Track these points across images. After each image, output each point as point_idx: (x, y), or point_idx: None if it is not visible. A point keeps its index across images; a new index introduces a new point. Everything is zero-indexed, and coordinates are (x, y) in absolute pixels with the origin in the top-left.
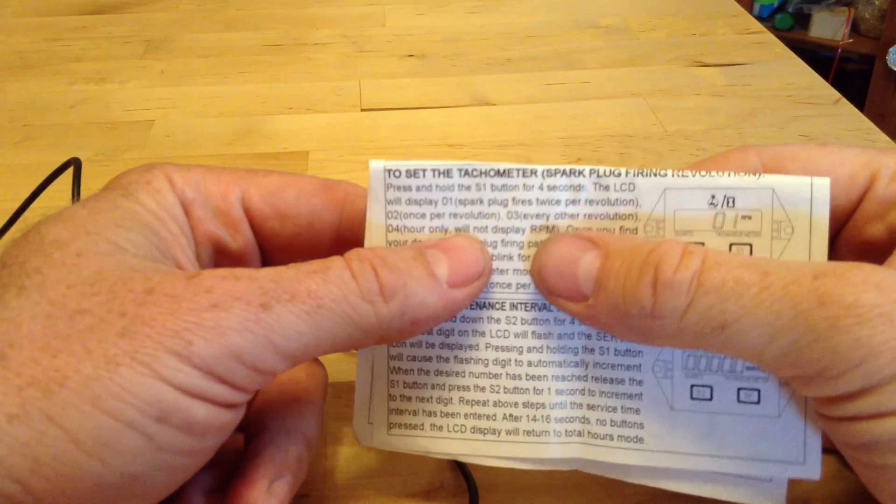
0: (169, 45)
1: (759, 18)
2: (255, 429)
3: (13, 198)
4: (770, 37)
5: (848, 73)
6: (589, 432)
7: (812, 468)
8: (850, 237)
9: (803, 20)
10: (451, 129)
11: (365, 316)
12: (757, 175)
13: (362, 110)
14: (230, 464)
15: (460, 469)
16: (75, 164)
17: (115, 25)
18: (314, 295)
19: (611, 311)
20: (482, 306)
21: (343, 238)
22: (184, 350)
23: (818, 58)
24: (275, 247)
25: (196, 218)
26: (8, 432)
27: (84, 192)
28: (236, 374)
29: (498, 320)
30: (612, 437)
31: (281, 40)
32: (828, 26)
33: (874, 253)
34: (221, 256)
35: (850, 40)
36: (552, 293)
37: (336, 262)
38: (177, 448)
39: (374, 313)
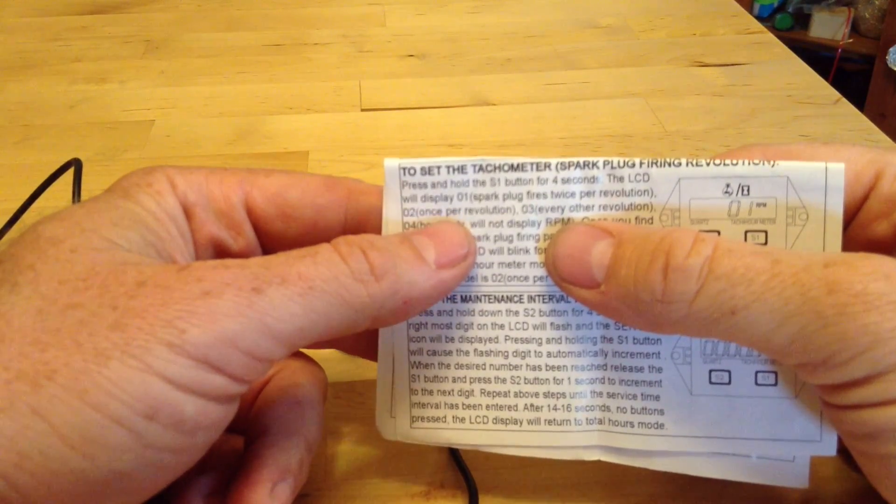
0: (169, 45)
1: (759, 18)
2: (256, 432)
3: (13, 198)
4: (770, 37)
5: (848, 73)
6: (610, 420)
7: (828, 446)
8: (855, 235)
9: (803, 20)
10: (451, 129)
11: (357, 295)
12: (771, 163)
13: (362, 110)
14: (229, 467)
15: (460, 469)
16: (76, 164)
17: (115, 25)
18: (305, 277)
19: (622, 297)
20: (500, 299)
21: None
22: (177, 339)
23: (818, 58)
24: (280, 248)
25: (198, 220)
26: None
27: (84, 193)
28: (232, 362)
29: (516, 313)
30: (632, 424)
31: (281, 40)
32: (828, 26)
33: (880, 251)
34: (223, 258)
35: (850, 40)
36: (565, 280)
37: (324, 246)
38: (165, 445)
39: (367, 293)
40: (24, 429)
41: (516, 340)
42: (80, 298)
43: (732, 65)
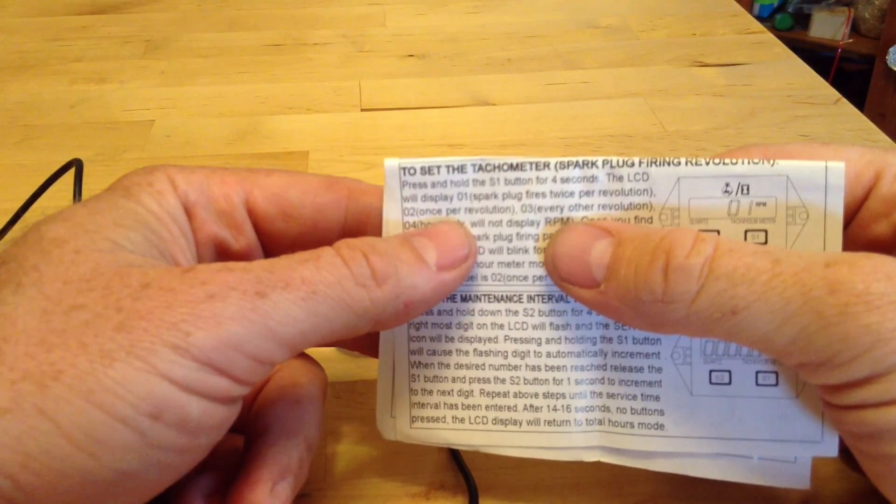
0: (169, 45)
1: (759, 18)
2: (256, 431)
3: (13, 198)
4: (770, 37)
5: (848, 73)
6: (610, 420)
7: (829, 446)
8: (855, 236)
9: (803, 20)
10: (451, 129)
11: (359, 300)
12: (771, 162)
13: (362, 110)
14: (229, 466)
15: (460, 469)
16: (77, 164)
17: (115, 25)
18: (308, 281)
19: (622, 297)
20: (500, 299)
21: (349, 235)
22: (181, 342)
23: (818, 58)
24: (280, 247)
25: (199, 220)
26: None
27: (85, 193)
28: (235, 365)
29: (516, 313)
30: (632, 425)
31: (281, 40)
32: (828, 26)
33: (880, 251)
34: (224, 258)
35: (850, 40)
36: (564, 280)
37: (326, 250)
38: (170, 446)
39: (369, 297)
40: (30, 429)
41: (516, 340)
42: (84, 299)
43: (732, 65)
